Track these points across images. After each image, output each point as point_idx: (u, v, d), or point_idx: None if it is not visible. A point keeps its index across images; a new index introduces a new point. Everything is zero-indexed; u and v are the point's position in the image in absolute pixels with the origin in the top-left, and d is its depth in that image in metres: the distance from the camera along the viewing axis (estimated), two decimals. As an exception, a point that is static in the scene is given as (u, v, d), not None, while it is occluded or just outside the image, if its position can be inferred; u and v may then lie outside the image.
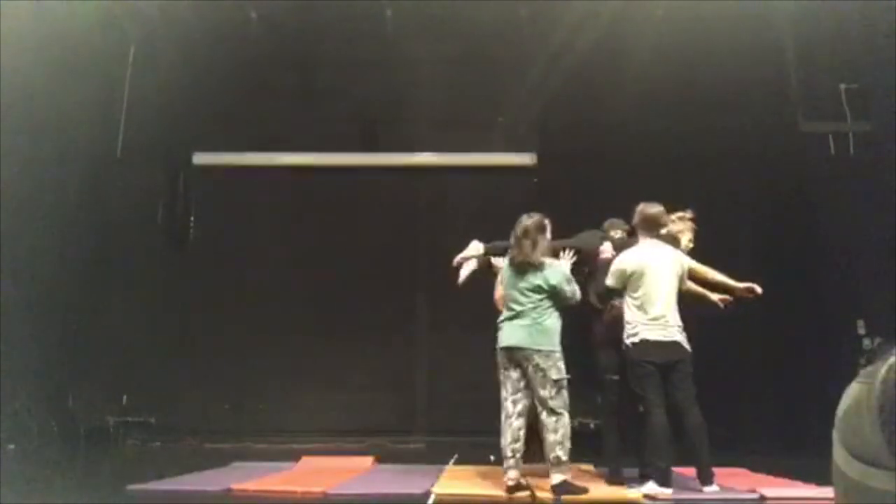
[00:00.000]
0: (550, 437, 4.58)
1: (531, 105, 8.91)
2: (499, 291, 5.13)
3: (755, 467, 5.64)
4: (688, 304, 4.94)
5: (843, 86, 8.34)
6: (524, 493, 4.54)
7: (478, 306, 8.79)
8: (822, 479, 4.37)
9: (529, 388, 4.72)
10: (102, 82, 8.52)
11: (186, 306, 8.84)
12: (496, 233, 9.29)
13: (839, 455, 0.72)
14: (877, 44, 7.61)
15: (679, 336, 4.71)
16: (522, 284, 4.79)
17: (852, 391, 0.72)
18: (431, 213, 9.22)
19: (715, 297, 5.14)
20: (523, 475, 4.68)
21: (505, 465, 4.67)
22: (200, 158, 9.19)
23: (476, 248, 5.48)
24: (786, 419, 7.67)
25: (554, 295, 4.75)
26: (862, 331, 7.74)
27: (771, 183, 8.28)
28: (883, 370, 0.68)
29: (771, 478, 5.21)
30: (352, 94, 8.91)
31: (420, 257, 9.10)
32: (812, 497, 4.29)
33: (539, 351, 4.65)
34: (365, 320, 8.73)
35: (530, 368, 4.66)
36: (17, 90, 7.53)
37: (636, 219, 4.99)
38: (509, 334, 4.77)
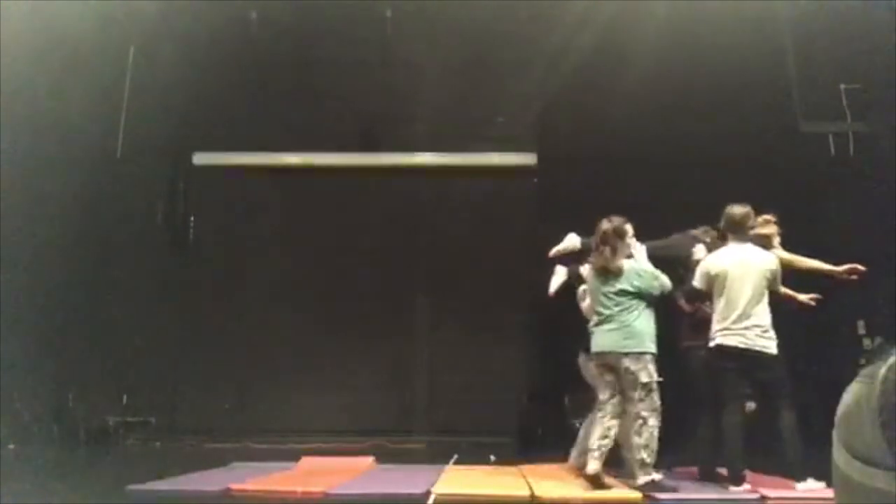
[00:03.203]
0: (635, 440, 4.67)
1: (531, 105, 8.91)
2: (586, 301, 5.18)
3: (755, 467, 5.63)
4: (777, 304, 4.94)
5: (843, 86, 8.34)
6: (603, 490, 4.62)
7: (477, 306, 8.84)
8: (822, 479, 4.38)
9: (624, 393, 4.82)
10: (102, 82, 8.51)
11: (186, 306, 8.83)
12: (496, 233, 9.34)
13: (839, 455, 0.72)
14: (877, 44, 7.60)
15: (761, 340, 4.69)
16: (606, 289, 4.85)
17: (852, 391, 0.72)
18: (431, 213, 9.21)
19: (804, 297, 5.19)
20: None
21: (588, 457, 4.75)
22: (200, 158, 9.19)
23: (573, 241, 5.42)
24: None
25: (641, 295, 4.80)
26: (862, 331, 7.73)
27: (771, 183, 8.27)
28: (883, 370, 0.68)
29: (771, 478, 5.20)
30: (352, 95, 8.90)
31: (420, 257, 9.10)
32: (812, 497, 4.29)
33: (627, 354, 4.71)
34: (365, 320, 8.73)
35: (621, 371, 4.73)
36: (18, 90, 7.53)
37: (722, 221, 4.98)
38: (600, 340, 4.86)
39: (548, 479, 5.20)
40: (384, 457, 6.73)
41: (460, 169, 9.19)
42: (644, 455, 4.61)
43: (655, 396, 4.70)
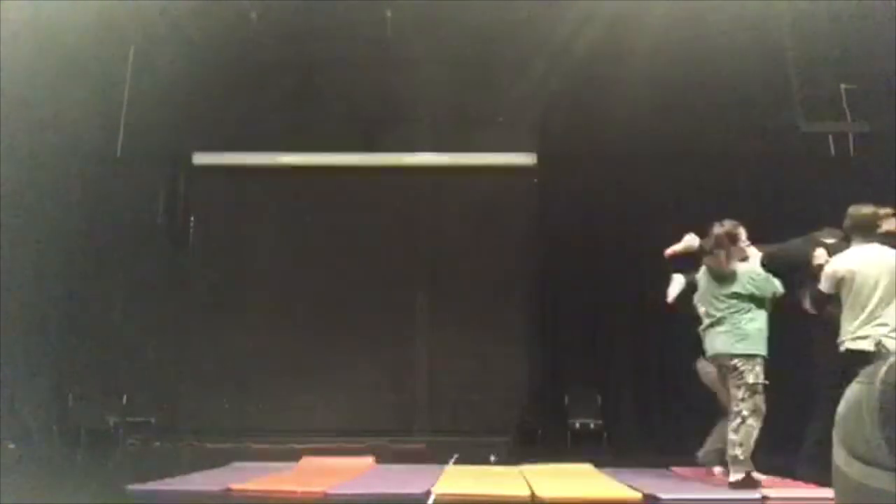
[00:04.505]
0: (731, 436, 4.76)
1: (531, 105, 8.90)
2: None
3: (755, 467, 5.63)
4: None
5: (843, 86, 8.33)
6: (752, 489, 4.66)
7: (477, 306, 8.84)
8: (822, 479, 4.38)
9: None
10: (102, 82, 8.51)
11: (186, 306, 8.83)
12: (496, 233, 9.34)
13: (839, 455, 0.72)
14: (877, 44, 7.60)
15: (891, 342, 4.56)
16: (719, 291, 4.92)
17: (852, 391, 0.72)
18: (431, 213, 9.21)
19: None
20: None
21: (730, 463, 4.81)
22: (200, 158, 9.18)
23: (691, 241, 5.37)
24: (786, 419, 7.66)
25: (753, 298, 4.86)
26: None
27: (771, 183, 8.28)
28: (883, 370, 0.68)
29: (771, 478, 5.20)
30: (352, 94, 8.90)
31: (420, 257, 9.10)
32: (812, 497, 4.29)
33: (739, 356, 4.78)
34: (365, 320, 8.73)
35: (730, 370, 4.81)
36: (17, 90, 7.52)
37: (847, 222, 4.87)
38: (711, 343, 4.94)
39: (548, 479, 5.21)
40: (384, 457, 6.73)
41: (460, 169, 9.19)
42: (738, 452, 4.71)
43: (759, 399, 4.77)
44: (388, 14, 8.36)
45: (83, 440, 7.80)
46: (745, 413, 4.73)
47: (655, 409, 8.09)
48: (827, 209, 8.07)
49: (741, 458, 4.72)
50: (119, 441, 7.92)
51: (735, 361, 4.78)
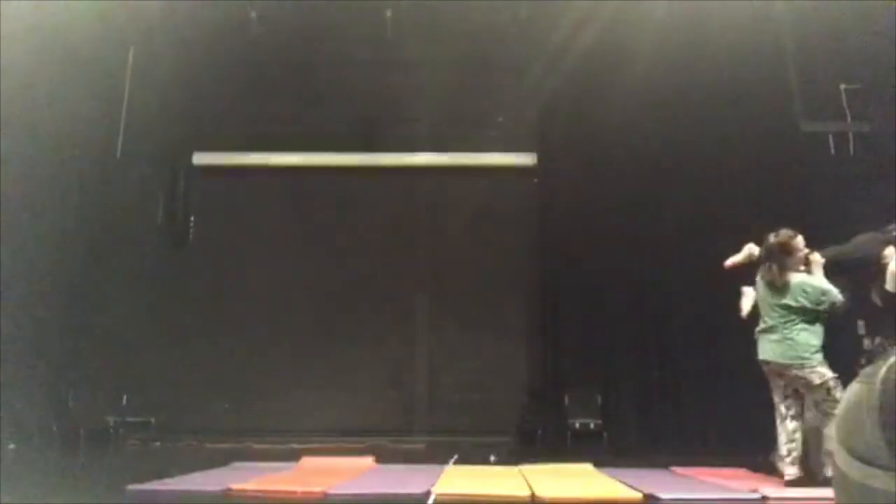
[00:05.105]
0: (825, 432, 4.72)
1: (531, 105, 8.91)
2: None
3: (755, 467, 5.64)
4: None
5: (843, 86, 8.33)
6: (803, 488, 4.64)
7: (477, 306, 8.84)
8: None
9: (798, 393, 4.92)
10: (102, 82, 8.51)
11: (186, 306, 8.83)
12: (496, 233, 9.33)
13: (839, 455, 0.72)
14: (877, 44, 7.60)
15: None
16: (772, 300, 4.97)
17: (852, 391, 0.72)
18: (431, 213, 9.21)
19: None
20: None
21: (781, 464, 4.85)
22: (200, 158, 9.18)
23: (751, 250, 5.32)
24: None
25: (805, 310, 4.88)
26: (862, 331, 7.72)
27: (771, 183, 8.28)
28: (883, 370, 0.69)
29: (771, 478, 5.20)
30: (352, 94, 8.90)
31: (420, 257, 9.10)
32: (812, 497, 4.29)
33: (791, 365, 4.82)
34: (365, 320, 8.73)
35: (794, 379, 4.85)
36: (17, 90, 7.53)
37: None
38: (763, 348, 5.00)
39: (548, 479, 5.21)
40: (384, 457, 6.73)
41: (460, 169, 9.19)
42: (831, 447, 4.66)
43: (837, 393, 4.73)
44: (388, 14, 8.37)
45: (83, 440, 7.79)
46: (832, 412, 4.70)
47: (655, 409, 8.08)
48: (827, 209, 8.12)
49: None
50: (119, 441, 7.92)
51: (793, 371, 4.83)
